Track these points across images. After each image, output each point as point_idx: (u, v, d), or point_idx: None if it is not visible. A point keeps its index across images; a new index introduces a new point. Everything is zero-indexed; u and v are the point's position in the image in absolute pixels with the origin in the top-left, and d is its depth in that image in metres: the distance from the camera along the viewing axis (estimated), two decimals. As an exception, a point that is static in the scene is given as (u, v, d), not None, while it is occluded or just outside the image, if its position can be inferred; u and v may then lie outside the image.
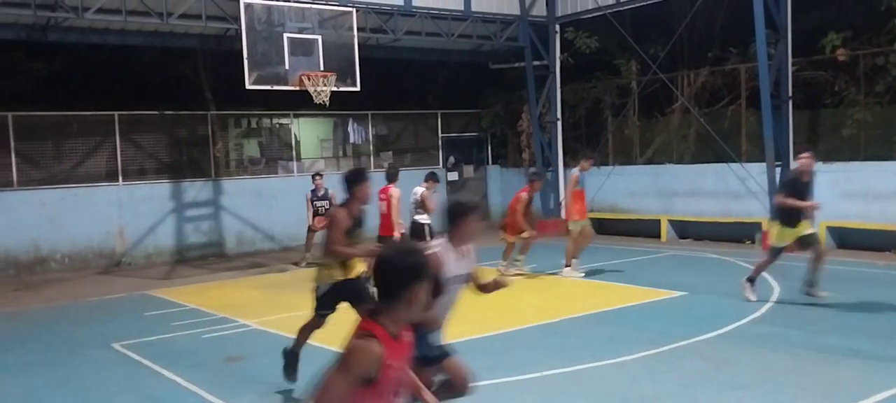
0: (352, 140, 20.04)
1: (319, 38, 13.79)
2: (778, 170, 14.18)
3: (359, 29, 14.59)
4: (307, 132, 19.50)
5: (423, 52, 18.10)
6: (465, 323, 9.09)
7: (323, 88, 13.48)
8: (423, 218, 11.80)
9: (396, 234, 11.26)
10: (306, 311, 10.16)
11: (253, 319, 9.78)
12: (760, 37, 13.86)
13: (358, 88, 14.36)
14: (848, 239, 13.90)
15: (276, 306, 10.70)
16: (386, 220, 11.38)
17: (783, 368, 6.77)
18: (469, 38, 17.53)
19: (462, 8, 17.13)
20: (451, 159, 21.09)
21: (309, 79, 13.44)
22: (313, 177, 14.65)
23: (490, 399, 6.28)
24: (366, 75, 14.49)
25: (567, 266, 12.08)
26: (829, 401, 5.76)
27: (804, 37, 14.73)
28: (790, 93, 14.47)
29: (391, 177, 11.63)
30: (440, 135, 20.84)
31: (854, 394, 5.87)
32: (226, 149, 18.33)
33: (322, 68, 13.68)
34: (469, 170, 21.55)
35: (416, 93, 21.69)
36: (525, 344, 8.02)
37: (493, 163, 21.83)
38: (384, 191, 11.41)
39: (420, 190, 11.94)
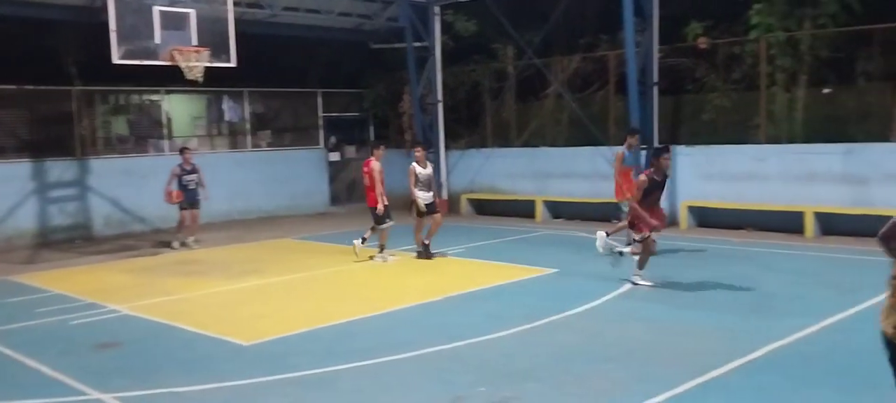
0: (227, 118, 19.53)
1: (192, 11, 13.29)
2: (643, 153, 14.92)
3: (234, 3, 14.18)
4: (179, 109, 18.83)
5: (302, 28, 17.81)
6: (347, 304, 9.16)
7: (195, 64, 13.04)
8: (417, 193, 11.93)
9: (379, 207, 11.81)
10: (183, 294, 9.82)
11: (124, 304, 9.43)
12: (629, 24, 14.47)
13: (233, 64, 13.97)
14: (707, 217, 14.84)
15: (149, 290, 10.34)
16: (369, 192, 11.97)
17: (648, 340, 7.21)
18: (349, 16, 17.41)
19: (342, -15, 17.00)
20: (333, 139, 20.92)
21: (181, 54, 12.95)
22: (182, 150, 14.43)
23: (370, 378, 6.37)
24: (242, 51, 14.11)
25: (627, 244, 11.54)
26: (691, 370, 6.19)
27: (669, 25, 15.48)
28: (655, 80, 15.21)
29: (371, 149, 12.31)
30: (321, 114, 20.61)
31: (712, 363, 6.33)
32: (92, 126, 17.44)
33: (195, 43, 13.20)
34: (351, 151, 21.45)
35: (295, 71, 21.30)
36: (407, 323, 8.15)
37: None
38: (366, 164, 12.02)
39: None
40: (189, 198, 14.07)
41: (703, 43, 15.44)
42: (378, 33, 18.72)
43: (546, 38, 17.56)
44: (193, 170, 14.11)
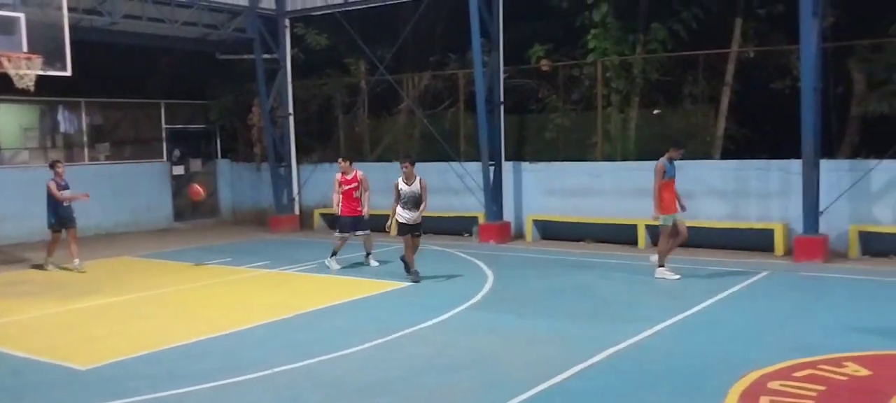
0: (62, 129, 18.40)
1: (22, 16, 12.45)
2: (492, 168, 15.41)
3: (70, 9, 13.37)
4: (8, 119, 17.53)
5: (144, 37, 17.05)
6: (191, 324, 8.86)
7: (26, 71, 12.21)
8: (398, 211, 10.99)
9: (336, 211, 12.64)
10: (11, 317, 9.22)
11: (-58, 330, 8.65)
12: (476, 45, 14.91)
13: (68, 73, 13.18)
14: (550, 230, 15.50)
15: (-30, 314, 9.54)
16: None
17: (497, 349, 7.46)
18: (194, 25, 16.86)
19: (187, -7, 16.45)
20: (177, 152, 20.14)
21: (9, 61, 12.10)
22: (53, 164, 13.15)
23: (216, 400, 6.20)
24: (79, 59, 13.34)
25: (660, 266, 10.85)
26: (536, 377, 6.46)
27: (514, 47, 16.10)
28: (502, 99, 15.75)
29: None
30: (164, 126, 19.81)
31: (557, 368, 6.64)
32: None
33: (25, 49, 12.36)
34: (196, 164, 20.73)
35: (137, 80, 20.35)
36: (255, 343, 7.98)
37: (222, 156, 21.20)
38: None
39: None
40: (66, 216, 13.01)
41: (545, 65, 16.20)
42: (225, 44, 18.24)
43: (398, 55, 17.79)
44: (67, 185, 13.06)
